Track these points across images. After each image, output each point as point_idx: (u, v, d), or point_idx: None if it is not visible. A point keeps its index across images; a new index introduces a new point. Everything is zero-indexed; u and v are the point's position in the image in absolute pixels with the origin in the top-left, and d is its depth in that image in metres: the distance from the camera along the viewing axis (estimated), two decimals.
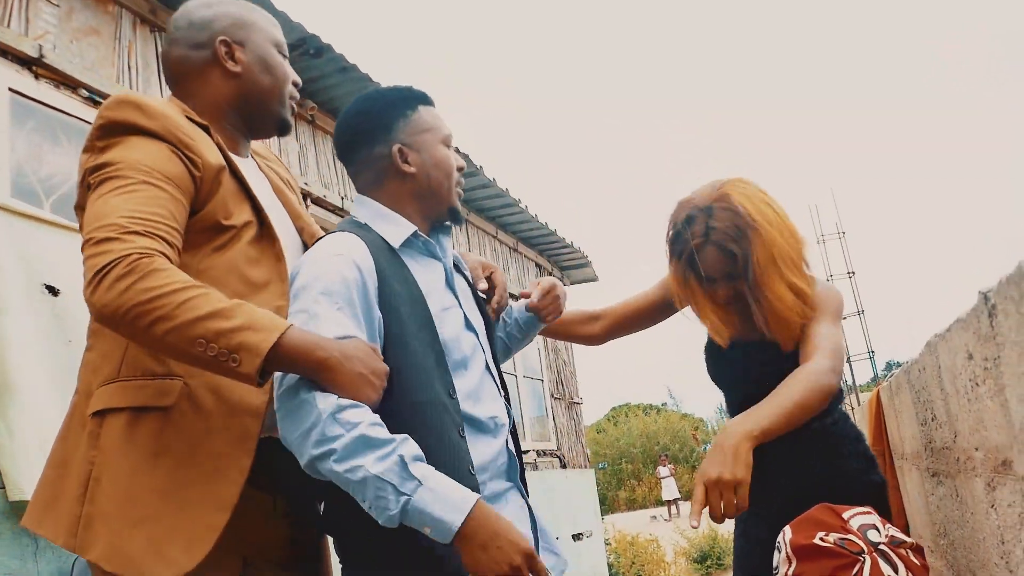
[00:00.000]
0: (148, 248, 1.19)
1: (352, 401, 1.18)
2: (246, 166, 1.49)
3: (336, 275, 1.27)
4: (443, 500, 1.14)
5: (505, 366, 6.50)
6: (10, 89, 2.56)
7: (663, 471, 20.44)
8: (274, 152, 1.73)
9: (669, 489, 19.92)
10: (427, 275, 1.42)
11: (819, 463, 1.88)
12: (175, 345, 1.16)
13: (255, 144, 1.62)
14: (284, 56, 1.54)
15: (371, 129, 1.44)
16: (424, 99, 1.50)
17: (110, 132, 1.30)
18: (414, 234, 1.42)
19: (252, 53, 1.48)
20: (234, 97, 1.47)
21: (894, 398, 2.73)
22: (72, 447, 1.33)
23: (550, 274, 7.72)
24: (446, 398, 1.32)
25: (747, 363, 1.89)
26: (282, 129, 1.57)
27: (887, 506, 1.89)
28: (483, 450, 1.36)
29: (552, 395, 7.09)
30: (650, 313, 2.13)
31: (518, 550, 1.16)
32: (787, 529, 1.59)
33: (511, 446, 1.47)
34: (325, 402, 1.17)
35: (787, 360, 1.78)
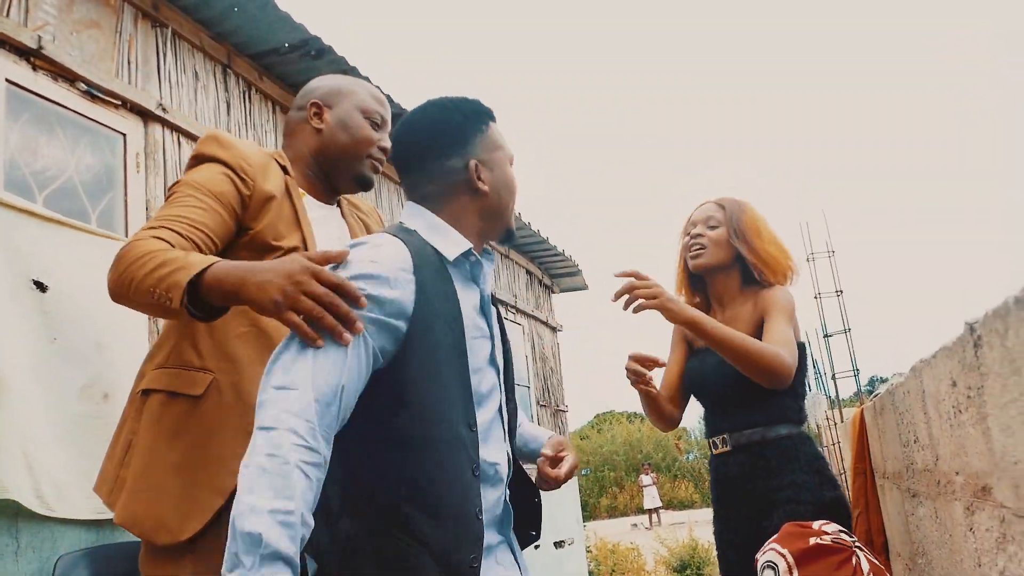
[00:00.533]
0: (141, 236, 1.45)
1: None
2: (323, 209, 1.78)
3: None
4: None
5: None
6: (7, 80, 2.55)
7: (645, 479, 20.49)
8: (375, 207, 2.04)
9: (651, 497, 19.99)
10: (465, 297, 1.36)
11: (779, 475, 2.02)
12: (142, 300, 1.37)
13: (358, 198, 1.96)
14: (377, 124, 1.81)
15: (447, 140, 1.40)
16: (492, 116, 1.48)
17: (195, 161, 1.64)
18: (467, 252, 1.37)
19: (336, 115, 1.78)
20: (315, 150, 1.77)
21: (878, 418, 2.76)
22: (123, 420, 1.63)
23: (539, 281, 7.74)
24: (465, 432, 1.26)
25: (718, 364, 2.05)
26: (362, 184, 1.81)
27: (840, 521, 1.98)
28: (483, 496, 1.31)
29: (539, 402, 7.11)
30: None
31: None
32: (773, 545, 1.64)
33: (507, 497, 1.41)
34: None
35: None
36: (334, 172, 1.79)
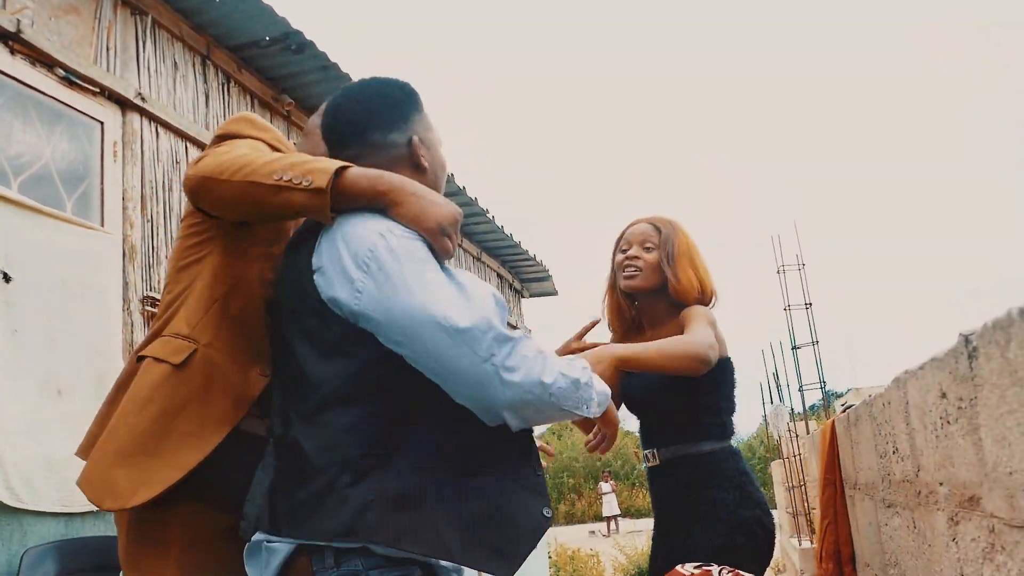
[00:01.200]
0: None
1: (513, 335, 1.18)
2: None
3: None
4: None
5: None
6: None
7: (605, 487, 20.56)
8: None
9: (610, 505, 20.04)
10: None
11: (700, 491, 2.07)
12: (257, 183, 1.29)
13: None
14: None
15: (391, 114, 1.40)
16: (419, 96, 1.48)
17: (221, 140, 1.53)
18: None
19: None
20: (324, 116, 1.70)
21: (851, 429, 2.80)
22: (115, 385, 1.55)
23: (510, 285, 7.74)
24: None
25: (643, 382, 2.13)
26: None
27: (755, 541, 2.05)
28: None
29: None
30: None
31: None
32: None
33: None
34: (492, 327, 1.16)
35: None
36: None
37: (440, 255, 1.26)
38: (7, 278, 2.44)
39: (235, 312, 1.54)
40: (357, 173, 1.30)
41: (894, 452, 2.04)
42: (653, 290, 2.17)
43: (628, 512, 25.26)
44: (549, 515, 1.25)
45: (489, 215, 6.34)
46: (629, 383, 2.19)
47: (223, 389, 1.46)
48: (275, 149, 1.56)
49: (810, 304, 4.78)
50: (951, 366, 1.42)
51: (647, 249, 2.18)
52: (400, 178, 1.30)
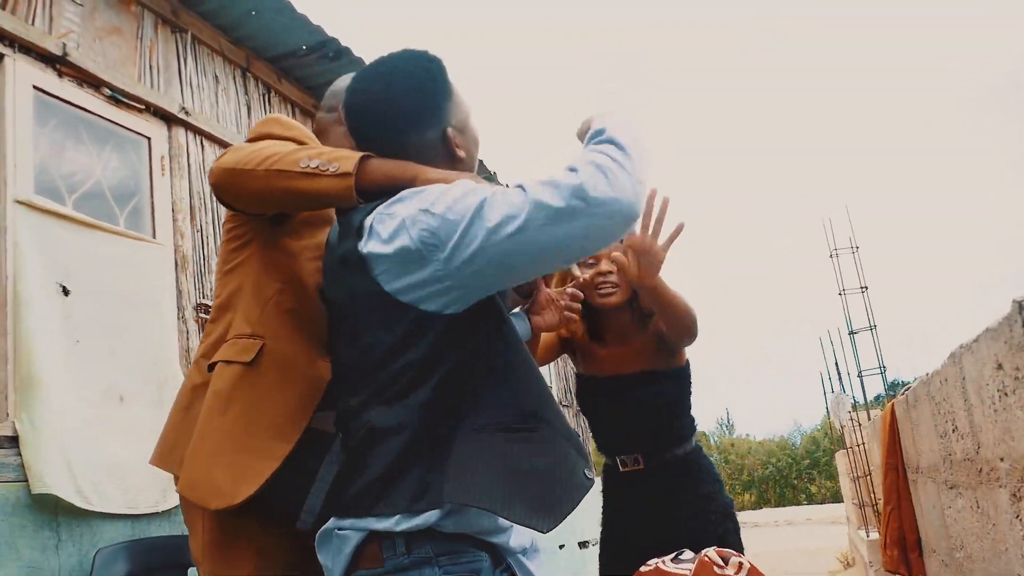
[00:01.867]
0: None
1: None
2: None
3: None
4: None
5: None
6: (34, 87, 2.57)
7: None
8: None
9: None
10: None
11: (689, 489, 2.13)
12: (283, 171, 1.33)
13: None
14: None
15: (421, 112, 1.31)
16: (445, 68, 1.38)
17: (254, 140, 1.55)
18: None
19: None
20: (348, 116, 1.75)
21: (911, 411, 2.71)
22: (183, 392, 1.61)
23: None
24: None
25: (637, 401, 2.14)
26: None
27: (736, 524, 2.13)
28: None
29: (561, 403, 7.09)
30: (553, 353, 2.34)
31: None
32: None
33: None
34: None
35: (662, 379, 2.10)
36: None
37: None
38: (66, 291, 2.52)
39: (291, 306, 1.57)
40: (381, 160, 1.31)
41: (953, 431, 1.97)
42: (623, 304, 2.12)
43: None
44: (592, 476, 1.24)
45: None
46: (612, 404, 2.17)
47: (297, 379, 1.51)
48: (296, 141, 1.57)
49: (866, 287, 4.66)
50: (1006, 335, 1.36)
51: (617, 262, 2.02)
52: (412, 165, 1.29)
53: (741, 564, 1.50)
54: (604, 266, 2.09)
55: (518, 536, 1.30)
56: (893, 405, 3.14)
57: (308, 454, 1.46)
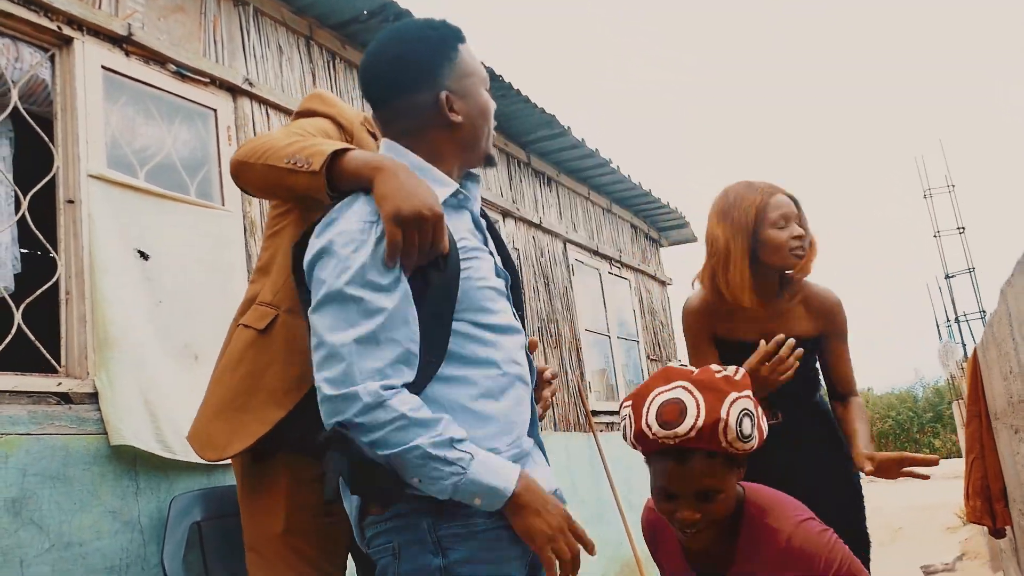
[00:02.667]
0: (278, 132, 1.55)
1: (392, 386, 1.20)
2: None
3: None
4: (494, 472, 1.20)
5: (599, 327, 6.46)
6: (103, 67, 2.74)
7: None
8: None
9: None
10: (456, 223, 1.39)
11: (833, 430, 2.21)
12: (273, 166, 1.41)
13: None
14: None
15: (413, 74, 1.36)
16: (461, 37, 1.44)
17: (298, 115, 1.74)
18: (454, 192, 1.39)
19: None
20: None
21: (986, 354, 2.56)
22: (221, 352, 1.75)
23: (645, 235, 7.62)
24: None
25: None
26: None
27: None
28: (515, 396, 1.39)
29: (649, 357, 7.05)
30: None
31: (562, 514, 1.23)
32: None
33: (533, 400, 1.47)
34: (368, 384, 1.19)
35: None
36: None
37: (388, 247, 1.25)
38: (145, 256, 2.70)
39: None
40: (353, 156, 1.35)
41: (1012, 372, 1.85)
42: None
43: None
44: None
45: (613, 164, 6.25)
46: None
47: (303, 350, 1.54)
48: (337, 124, 1.67)
49: (963, 229, 4.39)
50: None
51: (804, 228, 2.13)
52: (392, 165, 1.31)
53: (738, 369, 1.59)
54: (796, 229, 2.09)
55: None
56: (976, 351, 2.98)
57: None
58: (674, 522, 1.53)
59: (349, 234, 1.27)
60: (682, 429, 1.45)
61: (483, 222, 1.48)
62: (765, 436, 1.55)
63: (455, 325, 1.31)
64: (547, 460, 1.47)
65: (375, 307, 1.22)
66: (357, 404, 1.19)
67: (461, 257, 1.33)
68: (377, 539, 1.29)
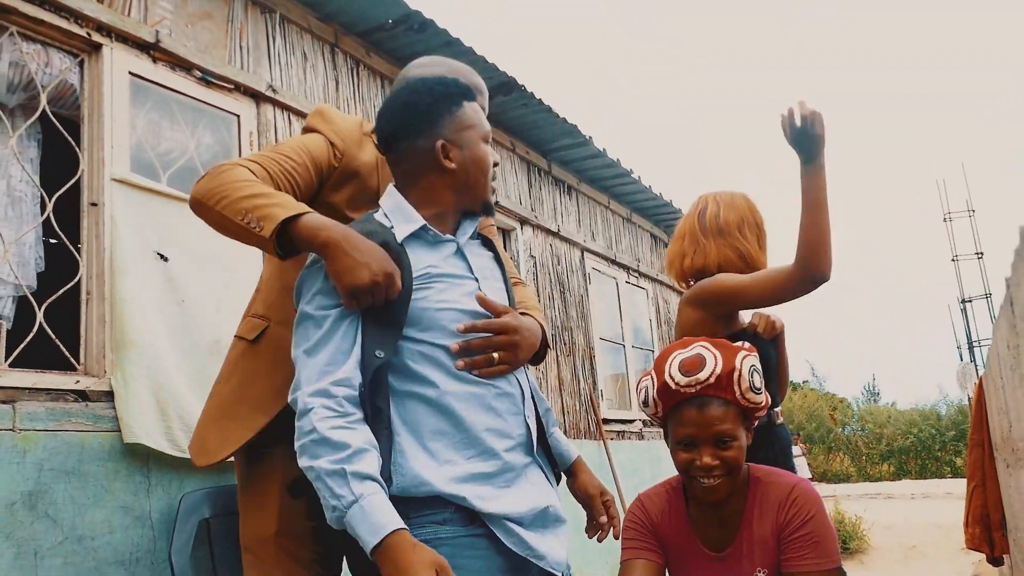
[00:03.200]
0: (239, 162, 1.56)
1: (326, 395, 1.31)
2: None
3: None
4: (368, 523, 1.23)
5: (614, 335, 6.46)
6: (130, 73, 2.82)
7: (794, 450, 19.76)
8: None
9: (800, 469, 19.25)
10: (436, 254, 1.50)
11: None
12: (228, 218, 1.45)
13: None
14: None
15: (415, 123, 1.51)
16: (469, 95, 1.57)
17: (303, 130, 1.82)
18: (422, 227, 1.49)
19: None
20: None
21: (987, 386, 2.57)
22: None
23: (665, 244, 7.63)
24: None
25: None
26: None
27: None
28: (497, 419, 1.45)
29: None
30: None
31: None
32: None
33: (529, 419, 1.51)
34: (305, 385, 1.34)
35: None
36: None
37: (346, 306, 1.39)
38: (164, 258, 2.78)
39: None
40: (304, 224, 1.42)
41: (1001, 409, 1.87)
42: None
43: (823, 477, 24.18)
44: None
45: (634, 175, 6.28)
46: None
47: (286, 361, 1.60)
48: (330, 140, 1.74)
49: (981, 254, 4.37)
50: (1007, 315, 1.30)
51: None
52: (343, 233, 1.40)
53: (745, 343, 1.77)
54: None
55: (506, 504, 1.41)
56: (982, 380, 2.98)
57: None
58: (694, 471, 1.65)
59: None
60: (703, 375, 1.65)
61: (487, 257, 1.60)
62: (770, 404, 1.74)
63: (411, 344, 1.41)
64: (548, 477, 1.54)
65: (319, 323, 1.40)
66: (296, 408, 1.34)
67: (417, 285, 1.43)
68: None
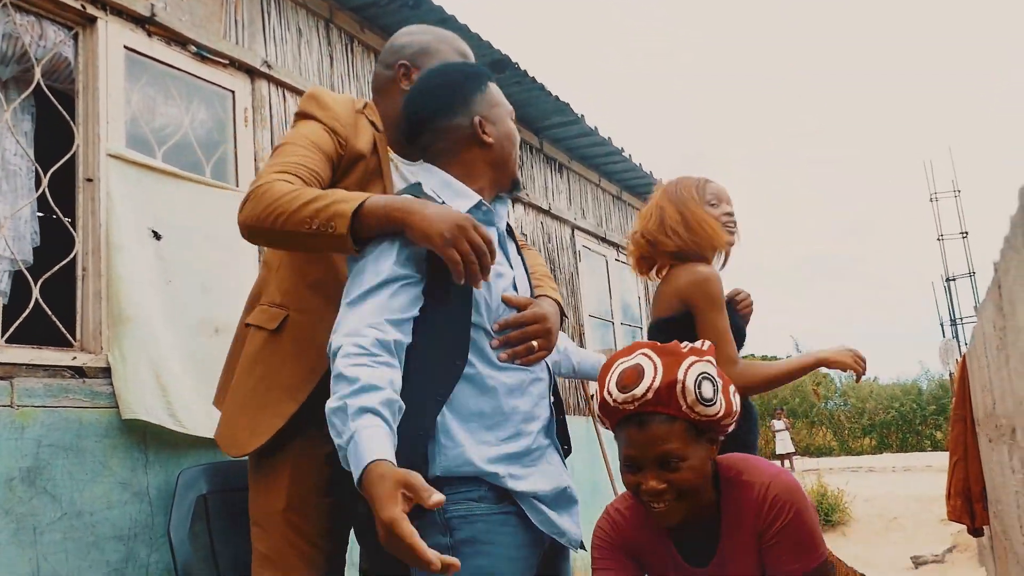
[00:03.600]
0: (271, 179, 1.56)
1: (357, 334, 1.33)
2: (413, 166, 1.79)
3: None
4: (356, 456, 1.23)
5: (603, 312, 6.51)
6: (125, 47, 2.81)
7: (778, 424, 19.99)
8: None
9: (783, 443, 19.51)
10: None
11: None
12: (292, 231, 1.47)
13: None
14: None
15: (453, 100, 1.56)
16: (491, 76, 1.65)
17: (298, 117, 1.79)
18: (477, 204, 1.53)
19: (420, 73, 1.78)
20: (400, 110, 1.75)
21: (970, 363, 2.64)
22: (231, 347, 1.91)
23: None
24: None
25: None
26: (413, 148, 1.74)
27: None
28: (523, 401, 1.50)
29: None
30: None
31: (389, 517, 1.17)
32: None
33: (552, 404, 1.59)
34: (342, 329, 1.35)
35: None
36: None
37: (452, 268, 1.39)
38: (157, 236, 2.78)
39: (316, 277, 1.77)
40: (370, 208, 1.43)
41: (985, 387, 1.92)
42: None
43: (806, 451, 24.50)
44: None
45: (625, 153, 6.29)
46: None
47: (310, 347, 1.70)
48: (330, 128, 1.74)
49: (966, 233, 4.43)
50: (994, 296, 1.34)
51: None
52: (409, 203, 1.42)
53: (704, 341, 1.60)
54: (729, 207, 2.27)
55: (534, 483, 1.47)
56: (965, 356, 3.05)
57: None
58: (641, 496, 1.49)
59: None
60: (639, 391, 1.45)
61: (511, 243, 1.64)
62: (737, 409, 1.53)
63: (474, 331, 1.45)
64: (563, 461, 1.60)
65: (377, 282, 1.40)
66: (330, 352, 1.35)
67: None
68: None
